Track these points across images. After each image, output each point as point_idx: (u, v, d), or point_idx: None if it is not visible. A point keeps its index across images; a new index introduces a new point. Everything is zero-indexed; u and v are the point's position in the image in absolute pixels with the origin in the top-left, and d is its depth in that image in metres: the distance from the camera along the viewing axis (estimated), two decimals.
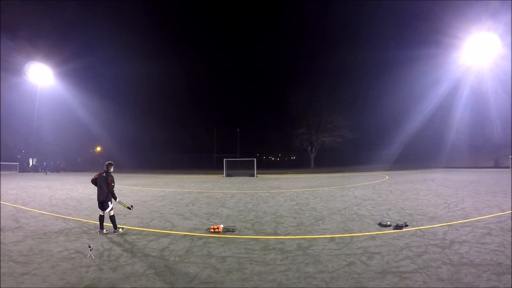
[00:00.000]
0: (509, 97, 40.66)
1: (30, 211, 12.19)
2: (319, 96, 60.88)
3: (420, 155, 57.09)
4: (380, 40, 63.64)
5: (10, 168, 47.71)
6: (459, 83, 48.18)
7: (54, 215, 11.15)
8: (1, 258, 6.27)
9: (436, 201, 12.96)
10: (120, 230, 8.52)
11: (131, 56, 71.80)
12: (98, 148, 78.59)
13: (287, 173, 44.96)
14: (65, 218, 10.57)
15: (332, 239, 7.30)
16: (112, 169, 8.89)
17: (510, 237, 6.93)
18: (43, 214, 11.56)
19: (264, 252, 6.46)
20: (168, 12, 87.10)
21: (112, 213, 8.53)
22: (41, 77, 51.56)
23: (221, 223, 9.28)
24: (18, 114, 53.63)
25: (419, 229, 7.97)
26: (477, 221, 8.81)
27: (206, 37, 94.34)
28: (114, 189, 8.65)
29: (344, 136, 59.02)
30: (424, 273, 4.95)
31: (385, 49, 61.22)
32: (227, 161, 40.59)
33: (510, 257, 5.62)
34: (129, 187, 23.36)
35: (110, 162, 8.99)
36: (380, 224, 8.58)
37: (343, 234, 7.75)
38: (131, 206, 9.29)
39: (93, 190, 19.74)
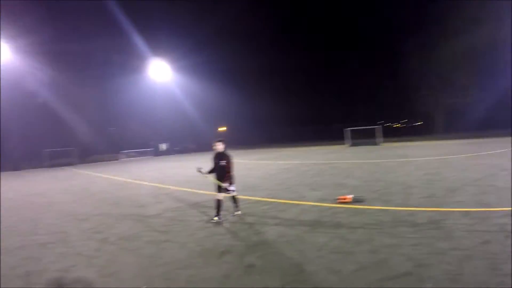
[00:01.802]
0: None
1: (168, 188, 13.80)
2: (441, 46, 52.09)
3: None
4: None
5: (146, 154, 55.65)
6: None
7: (189, 190, 12.35)
8: (145, 229, 7.33)
9: None
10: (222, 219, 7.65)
11: (249, 48, 74.49)
12: (224, 128, 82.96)
13: (412, 140, 42.70)
14: (199, 193, 11.62)
15: (466, 213, 6.93)
16: (218, 147, 7.89)
17: None
18: (179, 190, 12.88)
19: (393, 223, 6.48)
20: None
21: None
22: (161, 72, 57.88)
23: (348, 193, 9.33)
24: (142, 106, 61.59)
25: None
26: None
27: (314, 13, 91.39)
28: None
29: (473, 97, 52.38)
30: None
31: None
32: (350, 131, 40.10)
33: None
34: (255, 161, 24.82)
35: (218, 139, 8.10)
36: None
37: (478, 208, 7.29)
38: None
39: None
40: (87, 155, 52.19)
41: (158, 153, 57.86)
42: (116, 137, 58.28)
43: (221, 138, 8.25)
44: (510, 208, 7.06)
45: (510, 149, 21.19)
